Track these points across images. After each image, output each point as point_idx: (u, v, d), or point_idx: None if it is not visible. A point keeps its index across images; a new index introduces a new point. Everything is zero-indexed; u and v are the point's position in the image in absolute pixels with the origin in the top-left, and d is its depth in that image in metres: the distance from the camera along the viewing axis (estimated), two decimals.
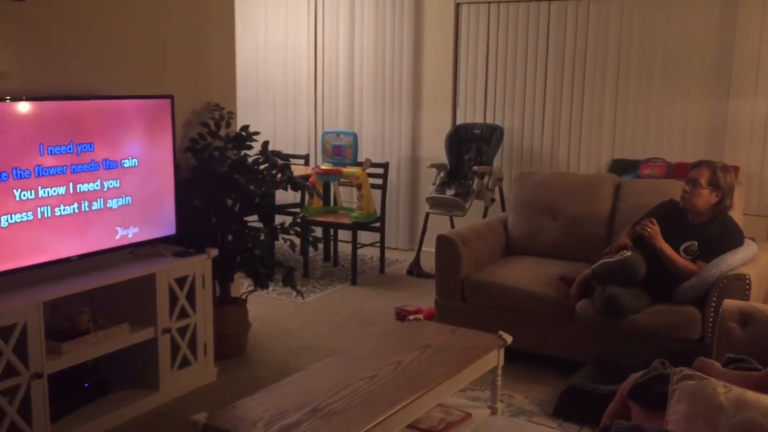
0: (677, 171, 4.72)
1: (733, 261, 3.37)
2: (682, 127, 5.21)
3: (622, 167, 5.15)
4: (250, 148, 3.91)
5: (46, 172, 2.96)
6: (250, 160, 3.90)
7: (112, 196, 3.24)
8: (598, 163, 5.53)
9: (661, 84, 5.23)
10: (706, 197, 3.48)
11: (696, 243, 3.47)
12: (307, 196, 5.79)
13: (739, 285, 3.26)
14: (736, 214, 3.68)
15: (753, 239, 3.67)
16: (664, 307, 3.44)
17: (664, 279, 3.46)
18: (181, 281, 3.43)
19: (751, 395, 1.74)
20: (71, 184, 3.06)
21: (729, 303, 2.60)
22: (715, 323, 2.80)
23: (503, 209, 5.45)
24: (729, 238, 3.48)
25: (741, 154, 4.99)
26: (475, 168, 5.46)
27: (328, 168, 5.67)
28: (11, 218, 2.84)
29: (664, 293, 3.47)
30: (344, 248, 6.03)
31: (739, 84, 4.97)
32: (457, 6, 6.00)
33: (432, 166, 5.69)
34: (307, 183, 4.24)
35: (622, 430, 1.73)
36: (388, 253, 5.95)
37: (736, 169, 4.69)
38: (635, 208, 3.90)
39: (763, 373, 2.06)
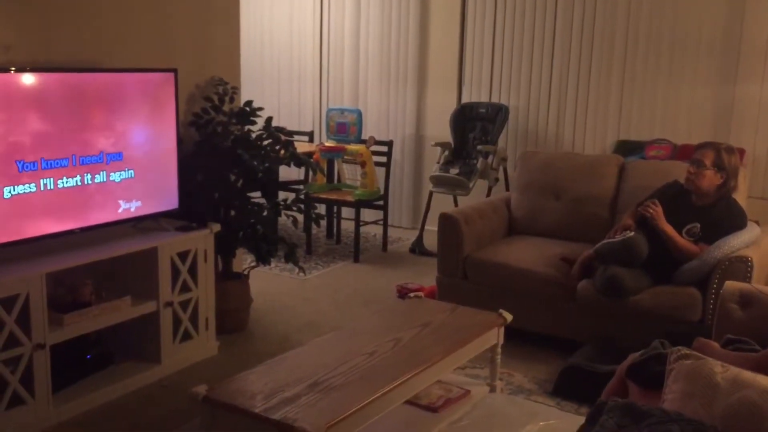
0: (683, 153, 4.69)
1: (735, 243, 3.36)
2: (688, 109, 5.17)
3: (627, 148, 5.12)
4: (254, 123, 3.91)
5: (48, 144, 2.95)
6: (253, 135, 3.89)
7: (114, 169, 3.24)
8: (603, 143, 5.50)
9: (668, 65, 5.19)
10: (710, 178, 3.46)
11: (699, 225, 3.46)
12: (310, 173, 5.79)
13: (740, 267, 3.26)
14: (741, 197, 3.67)
15: (757, 222, 3.66)
16: (665, 288, 3.44)
17: (666, 260, 3.46)
18: (183, 255, 3.44)
19: (748, 375, 1.75)
20: (74, 157, 3.06)
21: (730, 285, 2.60)
22: (716, 305, 2.80)
23: (507, 189, 5.43)
24: (732, 220, 3.46)
25: (747, 137, 4.95)
26: (479, 147, 5.44)
27: (332, 145, 5.66)
28: (14, 190, 2.84)
29: (665, 274, 3.47)
30: (347, 226, 6.04)
31: (746, 67, 4.92)
32: None
33: (436, 144, 5.66)
34: (310, 159, 4.23)
35: (617, 407, 1.74)
36: (390, 231, 5.96)
37: (741, 151, 4.65)
38: (639, 190, 3.88)
39: (761, 354, 2.07)
